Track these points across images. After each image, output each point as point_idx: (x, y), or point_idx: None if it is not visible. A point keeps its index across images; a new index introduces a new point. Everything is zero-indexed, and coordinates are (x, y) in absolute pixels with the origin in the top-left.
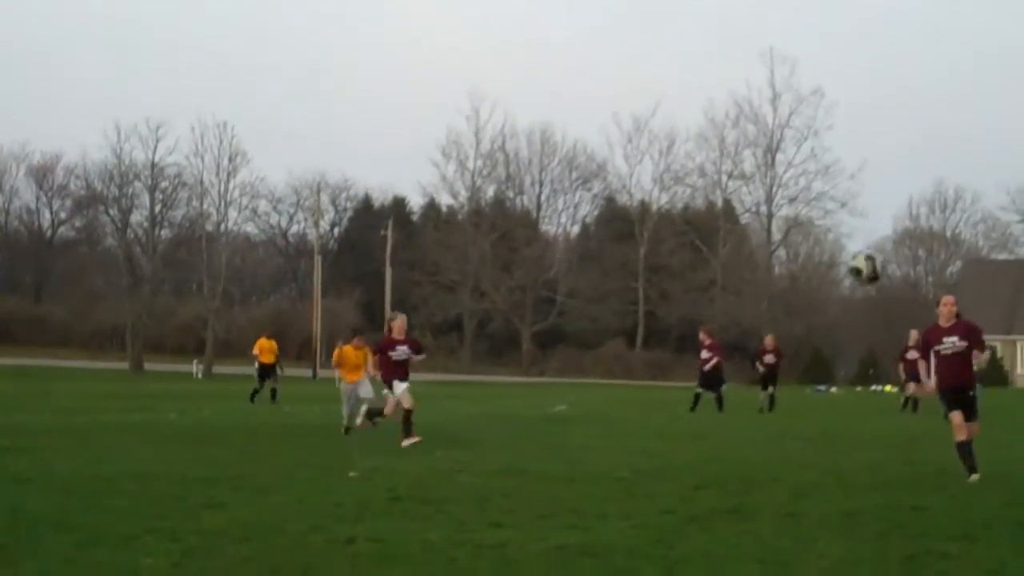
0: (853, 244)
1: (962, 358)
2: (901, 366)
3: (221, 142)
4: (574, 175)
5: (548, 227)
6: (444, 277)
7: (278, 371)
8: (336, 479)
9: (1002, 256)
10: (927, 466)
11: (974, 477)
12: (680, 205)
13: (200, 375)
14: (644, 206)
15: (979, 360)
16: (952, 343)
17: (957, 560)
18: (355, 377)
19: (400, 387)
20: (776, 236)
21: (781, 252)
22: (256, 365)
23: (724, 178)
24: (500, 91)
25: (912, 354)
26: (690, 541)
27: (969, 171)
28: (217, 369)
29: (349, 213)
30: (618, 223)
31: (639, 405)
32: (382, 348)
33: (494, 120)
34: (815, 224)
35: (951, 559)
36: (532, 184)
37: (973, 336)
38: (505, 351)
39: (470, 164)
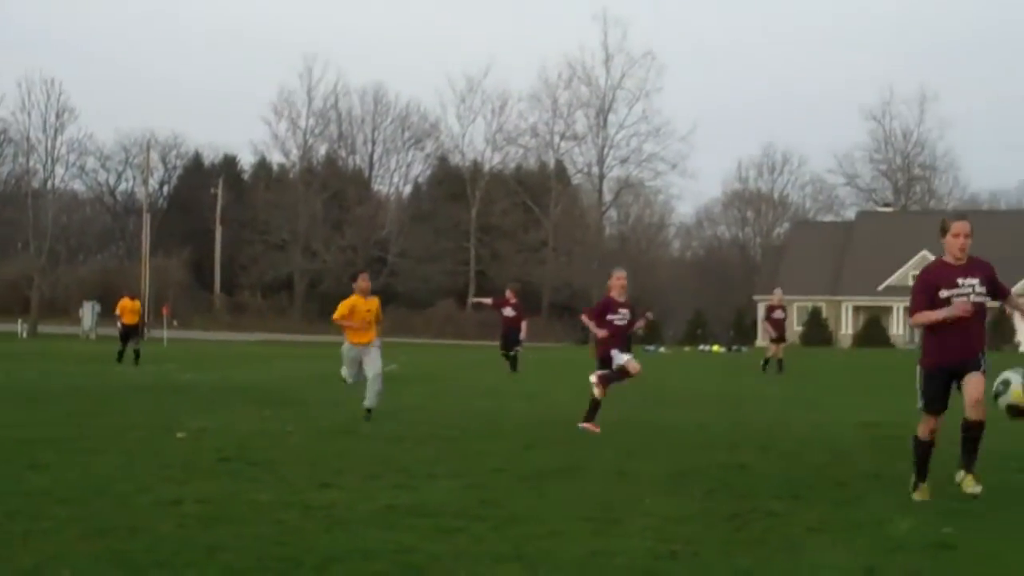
0: (683, 205)
1: (979, 315)
2: (766, 325)
3: (48, 98)
4: (407, 135)
5: (380, 187)
6: (275, 236)
7: (142, 332)
8: (164, 440)
9: (828, 218)
10: (753, 426)
11: (920, 491)
12: (512, 165)
13: (25, 334)
14: (476, 166)
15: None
16: (972, 288)
17: (781, 517)
18: (365, 339)
19: (620, 358)
20: (607, 197)
21: (612, 213)
22: (119, 325)
23: (556, 139)
24: (333, 50)
25: (778, 313)
26: (520, 500)
27: (797, 135)
28: (43, 328)
29: (179, 171)
30: (450, 183)
31: (470, 365)
32: (600, 311)
33: (327, 79)
34: (646, 185)
35: (776, 516)
36: (364, 143)
37: (995, 281)
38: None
39: (302, 122)
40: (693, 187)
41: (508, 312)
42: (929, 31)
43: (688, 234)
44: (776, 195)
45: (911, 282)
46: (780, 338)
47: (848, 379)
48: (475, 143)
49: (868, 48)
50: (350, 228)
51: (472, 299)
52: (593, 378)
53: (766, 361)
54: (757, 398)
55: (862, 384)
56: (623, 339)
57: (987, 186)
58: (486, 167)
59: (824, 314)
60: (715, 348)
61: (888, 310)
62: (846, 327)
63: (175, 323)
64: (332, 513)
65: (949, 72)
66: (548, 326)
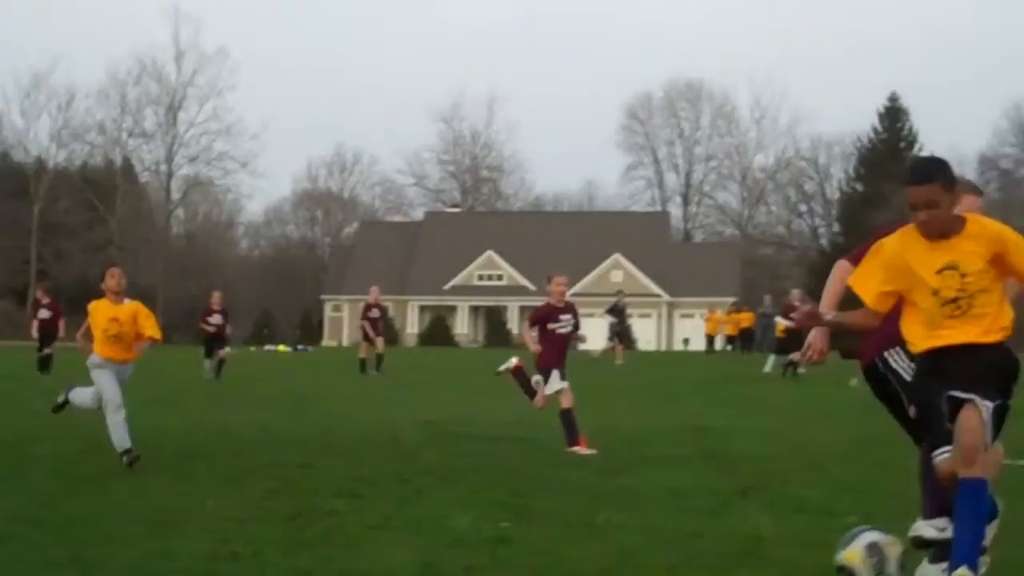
0: (252, 204)
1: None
2: (365, 324)
3: None
4: None
5: None
6: None
7: None
8: None
9: (397, 218)
10: (315, 425)
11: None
12: (79, 163)
13: None
14: (41, 163)
15: None
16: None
17: (343, 516)
18: (122, 355)
19: (557, 382)
20: (175, 195)
21: (180, 212)
22: None
23: (124, 136)
24: None
25: (374, 312)
26: (78, 503)
27: (369, 135)
28: None
29: None
30: (13, 179)
31: (28, 367)
32: (540, 318)
33: None
34: (215, 184)
35: (338, 515)
36: None
37: None
38: None
39: None
40: (263, 186)
41: (44, 314)
42: (496, 33)
43: (257, 233)
44: (346, 194)
45: (476, 281)
46: (376, 336)
47: (411, 377)
48: (40, 139)
49: (438, 50)
50: None
51: None
52: (537, 398)
53: (363, 361)
54: (320, 397)
55: (425, 382)
56: (563, 352)
57: (552, 188)
58: (51, 164)
59: (392, 313)
60: (281, 347)
61: (453, 309)
62: (412, 326)
63: None
64: None
65: (516, 74)
66: None
